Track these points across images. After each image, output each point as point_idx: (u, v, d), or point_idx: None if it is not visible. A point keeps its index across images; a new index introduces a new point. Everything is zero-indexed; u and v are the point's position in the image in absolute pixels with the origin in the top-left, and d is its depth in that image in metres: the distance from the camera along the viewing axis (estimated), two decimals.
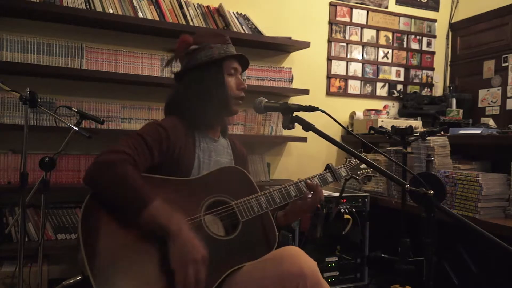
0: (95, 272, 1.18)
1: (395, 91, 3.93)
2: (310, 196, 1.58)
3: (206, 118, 1.55)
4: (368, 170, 1.79)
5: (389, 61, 3.92)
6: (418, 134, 2.52)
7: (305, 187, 1.59)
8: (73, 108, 2.34)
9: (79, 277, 1.36)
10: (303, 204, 1.58)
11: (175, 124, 1.52)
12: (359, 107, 3.72)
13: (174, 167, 1.45)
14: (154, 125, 1.48)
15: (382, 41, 3.88)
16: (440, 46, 4.13)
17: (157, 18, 2.89)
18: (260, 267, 1.35)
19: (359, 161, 1.77)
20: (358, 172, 1.77)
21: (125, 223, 1.27)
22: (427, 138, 2.57)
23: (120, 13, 2.78)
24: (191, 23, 2.98)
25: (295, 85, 3.36)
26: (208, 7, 3.12)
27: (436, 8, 4.12)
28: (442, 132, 2.64)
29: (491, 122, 3.35)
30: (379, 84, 3.88)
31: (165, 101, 1.64)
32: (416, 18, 4.02)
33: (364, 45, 3.81)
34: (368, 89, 3.84)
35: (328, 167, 1.70)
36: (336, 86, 3.71)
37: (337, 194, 2.46)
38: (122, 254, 1.23)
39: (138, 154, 1.36)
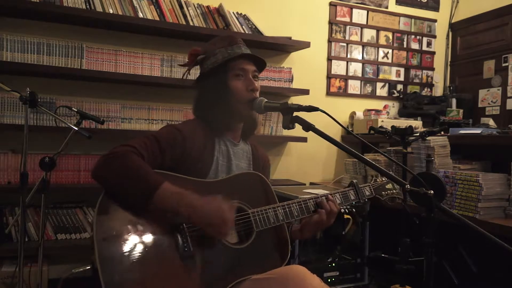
0: (106, 273, 1.17)
1: (395, 91, 3.93)
2: (328, 210, 1.51)
3: (219, 123, 1.54)
4: (394, 191, 1.68)
5: (389, 61, 3.92)
6: (418, 134, 2.52)
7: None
8: (73, 108, 2.34)
9: (89, 266, 1.35)
10: (319, 219, 1.49)
11: (194, 127, 1.52)
12: (359, 107, 3.73)
13: (192, 168, 1.44)
14: (171, 129, 1.47)
15: (382, 41, 3.88)
16: (440, 46, 4.13)
17: (157, 18, 2.89)
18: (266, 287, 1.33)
19: (385, 180, 1.69)
20: (383, 193, 1.68)
21: (139, 221, 1.27)
22: (427, 138, 2.56)
23: (120, 13, 2.78)
24: (191, 23, 2.98)
25: (295, 85, 3.37)
26: (208, 7, 3.12)
27: (436, 8, 4.12)
28: (442, 132, 2.64)
29: (491, 122, 3.34)
30: (379, 84, 3.88)
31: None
32: (416, 18, 4.02)
33: (364, 45, 3.81)
34: (368, 89, 3.84)
35: (352, 184, 1.61)
36: (336, 86, 3.71)
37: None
38: (136, 254, 1.23)
39: (146, 151, 1.36)
